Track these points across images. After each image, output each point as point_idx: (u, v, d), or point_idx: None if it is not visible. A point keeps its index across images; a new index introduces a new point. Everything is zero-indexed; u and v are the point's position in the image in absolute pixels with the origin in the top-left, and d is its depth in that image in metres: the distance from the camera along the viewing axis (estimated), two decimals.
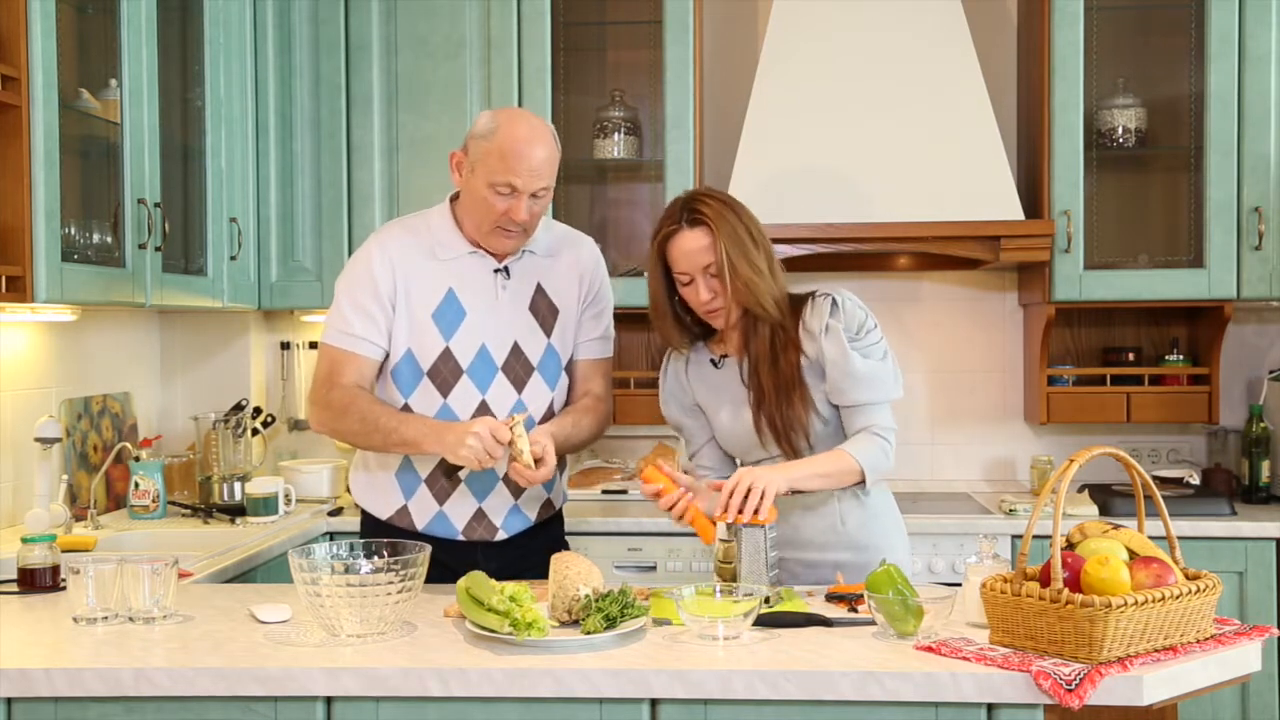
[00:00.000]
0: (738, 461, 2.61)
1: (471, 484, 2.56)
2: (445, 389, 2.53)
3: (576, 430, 2.59)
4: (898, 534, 2.60)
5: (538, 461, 2.39)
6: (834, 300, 2.47)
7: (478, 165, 2.46)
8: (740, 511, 2.27)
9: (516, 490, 2.59)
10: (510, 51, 3.71)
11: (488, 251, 2.56)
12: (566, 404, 2.66)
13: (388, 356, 2.55)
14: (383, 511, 2.63)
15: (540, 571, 2.32)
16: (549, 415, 2.60)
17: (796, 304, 2.51)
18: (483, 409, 2.53)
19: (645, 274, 2.56)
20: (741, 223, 2.43)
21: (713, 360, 2.58)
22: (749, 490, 2.27)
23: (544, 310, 2.60)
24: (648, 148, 3.94)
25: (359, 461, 2.68)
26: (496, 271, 2.57)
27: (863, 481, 2.42)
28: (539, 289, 2.60)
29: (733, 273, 2.39)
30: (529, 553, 2.60)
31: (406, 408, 2.55)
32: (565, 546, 2.76)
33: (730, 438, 2.57)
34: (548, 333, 2.60)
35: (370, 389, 2.57)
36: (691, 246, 2.42)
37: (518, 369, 2.57)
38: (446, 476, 2.50)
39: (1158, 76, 3.83)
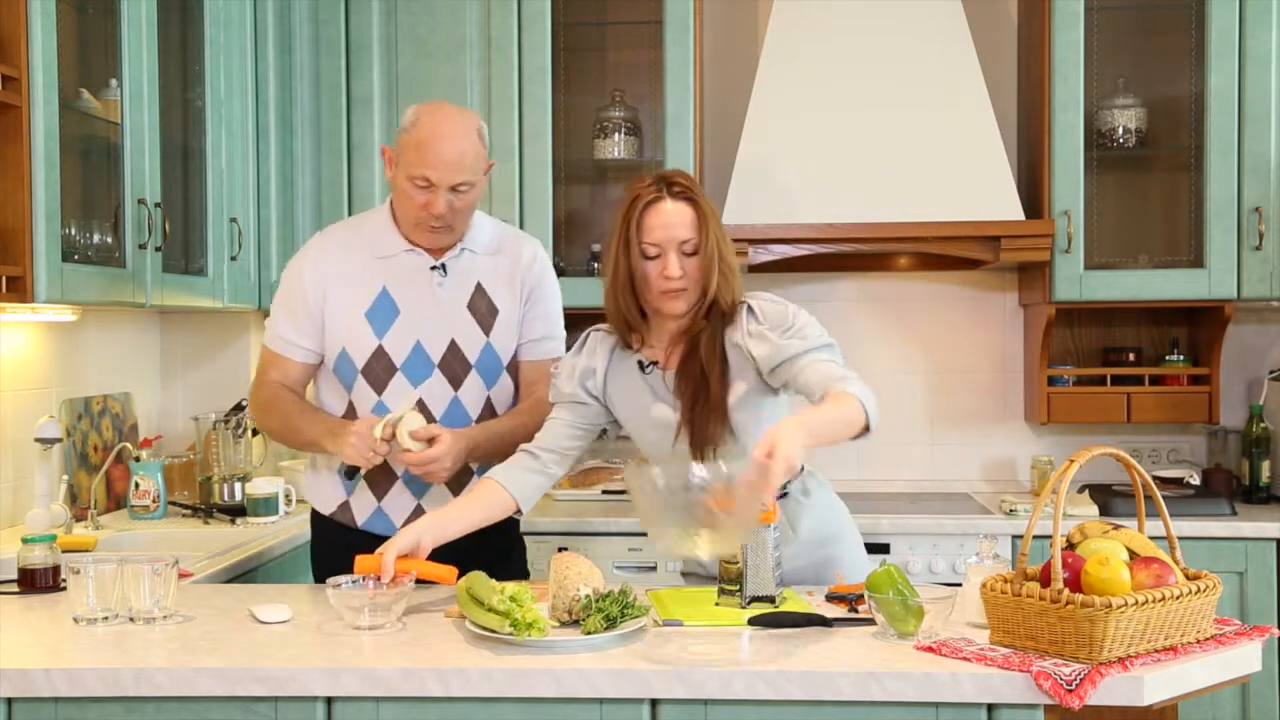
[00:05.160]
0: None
1: (410, 483, 2.56)
2: (379, 386, 2.56)
3: (516, 432, 2.52)
4: (849, 528, 2.52)
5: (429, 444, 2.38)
6: (749, 307, 2.34)
7: (400, 159, 2.50)
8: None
9: (457, 488, 2.57)
10: (510, 51, 3.71)
11: (424, 249, 2.58)
12: (513, 406, 2.64)
13: (326, 355, 2.59)
14: (325, 507, 2.66)
15: (490, 570, 2.31)
16: (487, 412, 2.60)
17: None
18: (420, 407, 2.53)
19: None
20: (715, 213, 2.35)
21: (640, 363, 2.41)
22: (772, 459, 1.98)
23: (483, 309, 2.60)
24: (648, 148, 3.94)
25: (309, 459, 2.73)
26: (433, 269, 2.58)
27: (866, 429, 2.17)
28: (479, 288, 2.60)
29: (721, 258, 2.31)
30: (478, 552, 2.50)
31: (350, 404, 2.59)
32: (520, 547, 2.76)
33: (643, 436, 2.42)
34: (486, 331, 2.59)
35: (300, 390, 2.64)
36: (673, 220, 2.28)
37: (455, 366, 2.57)
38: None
39: (1158, 76, 3.83)
